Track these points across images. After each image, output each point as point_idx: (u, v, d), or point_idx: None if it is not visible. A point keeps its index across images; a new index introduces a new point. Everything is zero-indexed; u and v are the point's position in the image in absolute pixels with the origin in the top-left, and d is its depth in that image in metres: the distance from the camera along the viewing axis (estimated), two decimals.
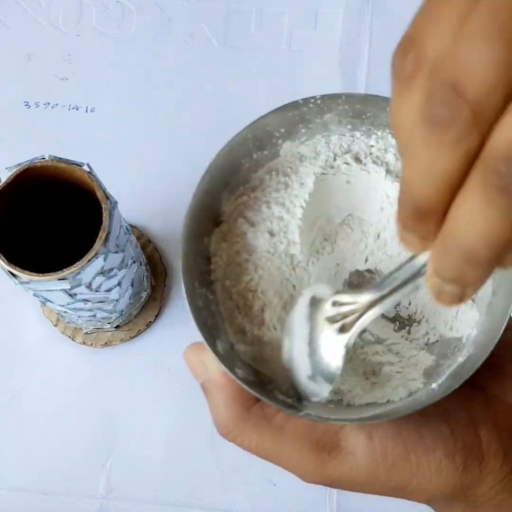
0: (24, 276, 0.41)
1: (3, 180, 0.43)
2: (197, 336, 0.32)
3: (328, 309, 0.31)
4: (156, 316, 0.57)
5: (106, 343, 0.56)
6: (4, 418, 0.56)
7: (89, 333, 0.56)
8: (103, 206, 0.43)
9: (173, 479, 0.54)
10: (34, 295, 0.45)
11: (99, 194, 0.43)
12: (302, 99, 0.35)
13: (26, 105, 0.62)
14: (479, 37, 0.18)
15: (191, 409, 0.56)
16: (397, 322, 0.37)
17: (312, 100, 0.35)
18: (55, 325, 0.57)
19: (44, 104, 0.62)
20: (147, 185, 0.60)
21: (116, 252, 0.44)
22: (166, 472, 0.54)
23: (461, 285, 0.21)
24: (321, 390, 0.32)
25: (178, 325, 0.57)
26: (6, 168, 0.43)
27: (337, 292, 0.31)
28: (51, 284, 0.42)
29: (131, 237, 0.49)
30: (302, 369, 0.32)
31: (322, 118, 0.36)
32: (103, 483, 0.54)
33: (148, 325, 0.57)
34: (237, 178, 0.36)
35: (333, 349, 0.31)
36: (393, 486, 0.31)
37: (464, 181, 0.19)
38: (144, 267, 0.54)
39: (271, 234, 0.36)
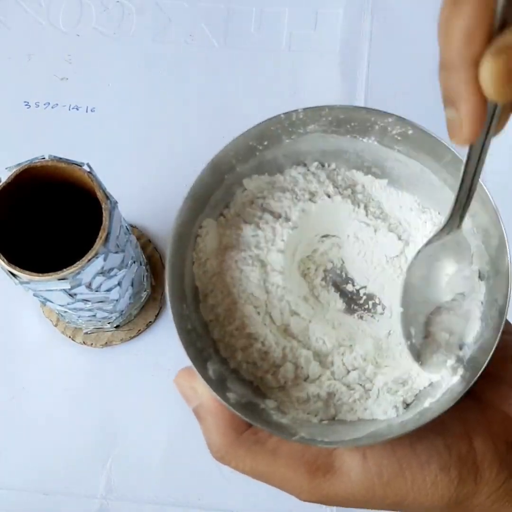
0: (24, 276, 0.41)
1: (3, 180, 0.43)
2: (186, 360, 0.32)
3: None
4: (156, 316, 0.57)
5: (106, 343, 0.56)
6: (4, 418, 0.56)
7: (89, 333, 0.56)
8: (103, 206, 0.43)
9: (173, 479, 0.54)
10: (34, 295, 0.45)
11: (99, 194, 0.43)
12: (284, 114, 0.35)
13: (26, 105, 0.62)
14: None
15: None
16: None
17: (294, 115, 0.35)
18: (55, 325, 0.57)
19: (44, 104, 0.62)
20: (147, 185, 0.60)
21: (116, 252, 0.44)
22: (166, 472, 0.54)
23: (450, 104, 0.25)
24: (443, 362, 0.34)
25: None
26: (6, 168, 0.43)
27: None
28: (51, 284, 0.42)
29: (131, 237, 0.49)
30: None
31: (305, 129, 0.36)
32: (103, 483, 0.54)
33: (148, 325, 0.57)
34: (220, 195, 0.37)
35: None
36: (390, 502, 0.31)
37: None
38: (144, 267, 0.54)
39: (252, 258, 0.37)
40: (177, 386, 0.34)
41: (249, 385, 0.35)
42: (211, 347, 0.35)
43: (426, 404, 0.33)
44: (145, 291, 0.55)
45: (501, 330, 0.31)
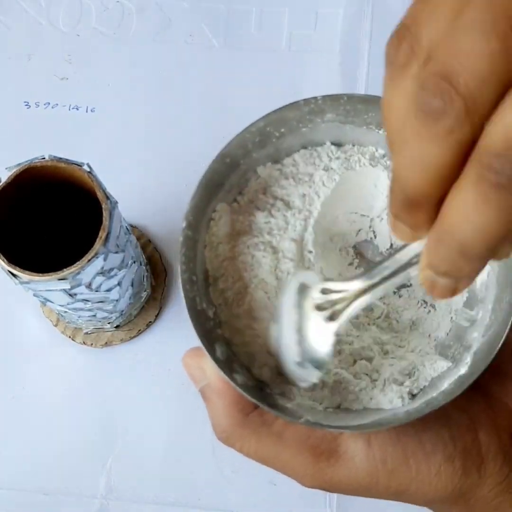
0: (24, 276, 0.41)
1: (3, 180, 0.43)
2: (196, 340, 0.33)
3: (316, 297, 0.31)
4: (156, 316, 0.57)
5: (106, 343, 0.56)
6: (4, 418, 0.56)
7: (89, 333, 0.56)
8: (103, 206, 0.43)
9: (173, 479, 0.54)
10: (34, 295, 0.45)
11: (99, 194, 0.43)
12: (303, 100, 0.35)
13: (26, 105, 0.62)
14: (473, 29, 0.18)
15: (192, 409, 0.56)
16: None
17: (313, 101, 0.35)
18: (55, 325, 0.57)
19: (44, 104, 0.62)
20: (147, 185, 0.60)
21: (116, 252, 0.44)
22: (166, 472, 0.54)
23: (454, 278, 0.21)
24: (310, 376, 0.32)
25: (178, 325, 0.57)
26: (6, 168, 0.43)
27: (326, 280, 0.31)
28: (51, 284, 0.42)
29: (131, 237, 0.49)
30: (290, 356, 0.32)
31: (323, 118, 0.36)
32: (103, 483, 0.54)
33: (148, 325, 0.57)
34: (235, 180, 0.37)
35: (322, 337, 0.31)
36: (393, 491, 0.31)
37: (457, 173, 0.19)
38: (144, 267, 0.54)
39: (268, 245, 0.36)
40: (184, 365, 0.33)
41: (249, 372, 0.35)
42: (219, 329, 0.35)
43: (433, 394, 0.33)
44: (145, 291, 0.55)
45: (509, 324, 0.31)
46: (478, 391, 0.33)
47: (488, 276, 0.34)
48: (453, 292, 0.22)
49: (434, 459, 0.31)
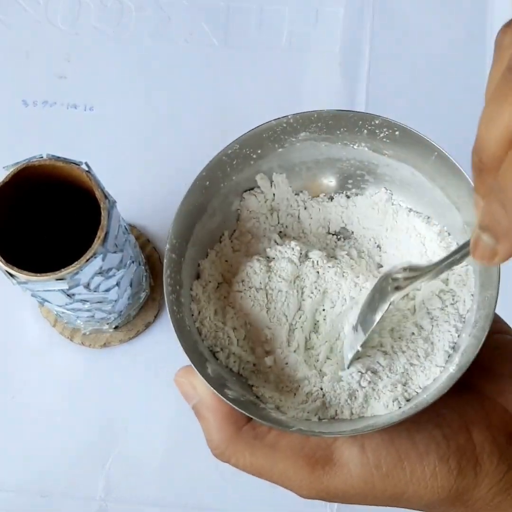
0: (22, 276, 0.41)
1: (1, 179, 0.43)
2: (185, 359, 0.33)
3: (398, 274, 0.33)
4: (155, 316, 0.57)
5: (104, 344, 0.56)
6: (2, 418, 0.55)
7: (88, 334, 0.56)
8: (101, 205, 0.42)
9: (173, 480, 0.54)
10: (32, 295, 0.45)
11: (98, 193, 0.43)
12: (274, 119, 0.36)
13: (24, 103, 0.62)
14: None
15: (190, 410, 0.55)
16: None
17: (284, 120, 0.36)
18: (53, 326, 0.56)
19: (42, 103, 0.62)
20: (146, 184, 0.60)
21: (114, 252, 0.44)
22: (165, 473, 0.54)
23: (493, 234, 0.23)
24: (357, 341, 0.34)
25: None
26: (3, 167, 0.43)
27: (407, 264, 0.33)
28: (49, 284, 0.42)
29: (130, 236, 0.49)
30: (350, 320, 0.35)
31: (297, 137, 0.37)
32: (102, 484, 0.54)
33: (147, 326, 0.57)
34: (216, 203, 0.38)
35: (381, 302, 0.33)
36: (389, 495, 0.31)
37: None
38: (143, 267, 0.54)
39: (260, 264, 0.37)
40: (176, 384, 0.34)
41: (249, 388, 0.36)
42: (209, 351, 0.36)
43: (424, 395, 0.34)
44: (144, 291, 0.55)
45: (492, 317, 0.32)
46: (471, 391, 0.33)
47: (470, 276, 0.36)
48: (492, 254, 0.24)
49: (428, 459, 0.31)
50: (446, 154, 0.34)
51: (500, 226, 0.23)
